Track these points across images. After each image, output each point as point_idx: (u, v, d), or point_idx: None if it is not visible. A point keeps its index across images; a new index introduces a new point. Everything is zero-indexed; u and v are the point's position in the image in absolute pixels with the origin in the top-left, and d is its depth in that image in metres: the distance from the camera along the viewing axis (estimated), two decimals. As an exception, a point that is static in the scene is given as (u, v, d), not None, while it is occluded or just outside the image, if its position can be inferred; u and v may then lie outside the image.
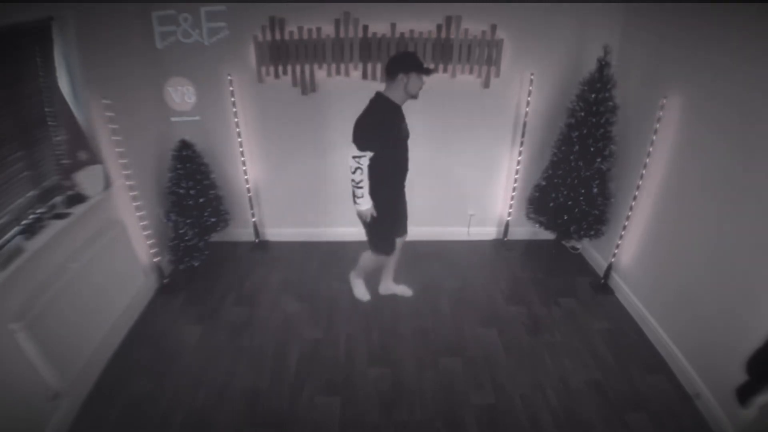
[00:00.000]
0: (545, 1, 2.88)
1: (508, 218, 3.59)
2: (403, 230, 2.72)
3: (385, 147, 2.26)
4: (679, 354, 2.41)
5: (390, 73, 2.24)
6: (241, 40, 2.96)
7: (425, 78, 2.27)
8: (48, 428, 1.98)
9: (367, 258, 2.75)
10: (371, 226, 2.50)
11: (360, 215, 2.43)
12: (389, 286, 3.00)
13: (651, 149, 2.62)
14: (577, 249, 3.56)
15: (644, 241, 2.78)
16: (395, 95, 2.27)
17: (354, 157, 2.22)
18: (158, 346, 2.60)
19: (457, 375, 2.42)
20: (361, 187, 2.28)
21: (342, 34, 2.94)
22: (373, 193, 2.36)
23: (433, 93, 3.08)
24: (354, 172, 2.25)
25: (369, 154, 2.23)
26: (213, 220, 3.22)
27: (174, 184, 3.02)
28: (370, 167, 2.28)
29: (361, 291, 2.97)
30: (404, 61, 2.23)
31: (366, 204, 2.35)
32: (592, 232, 3.08)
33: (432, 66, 2.29)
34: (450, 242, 3.63)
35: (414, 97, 2.29)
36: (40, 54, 2.18)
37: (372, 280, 2.99)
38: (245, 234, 3.60)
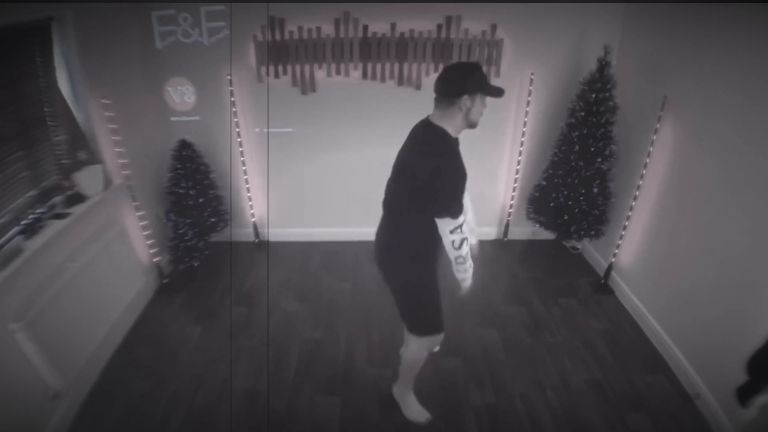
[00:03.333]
0: (545, 1, 2.88)
1: (508, 218, 3.59)
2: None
3: None
4: (679, 354, 2.41)
5: (448, 95, 1.57)
6: (241, 40, 2.96)
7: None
8: (48, 428, 1.98)
9: (411, 354, 2.01)
10: (418, 303, 1.88)
11: (466, 290, 1.83)
12: (407, 399, 2.20)
13: (651, 149, 2.61)
14: (578, 249, 3.56)
15: (644, 241, 2.78)
16: (452, 124, 1.61)
17: (452, 231, 1.59)
18: (158, 346, 2.60)
19: (457, 375, 2.42)
20: (465, 262, 1.69)
21: (342, 34, 2.94)
22: (424, 261, 1.79)
23: (432, 93, 3.09)
24: (460, 247, 1.63)
25: (461, 219, 1.59)
26: (213, 220, 3.21)
27: (174, 184, 3.02)
28: (424, 229, 1.66)
29: (416, 410, 2.16)
30: (470, 78, 1.56)
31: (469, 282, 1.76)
32: (593, 232, 3.08)
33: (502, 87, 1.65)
34: (450, 242, 3.63)
35: (475, 125, 1.66)
36: (40, 54, 2.18)
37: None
38: (245, 234, 3.60)
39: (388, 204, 1.80)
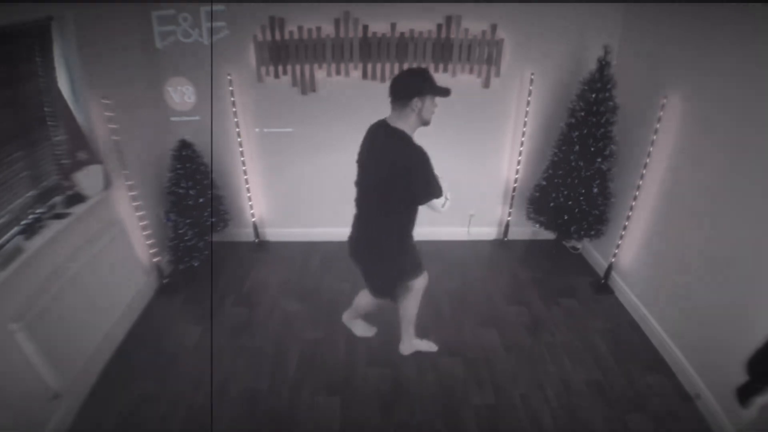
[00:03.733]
0: (545, 1, 2.88)
1: (508, 218, 3.59)
2: (417, 272, 2.22)
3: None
4: (679, 354, 2.41)
5: (401, 98, 1.78)
6: (241, 40, 2.96)
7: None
8: (48, 428, 1.98)
9: (365, 303, 2.38)
10: (378, 269, 2.12)
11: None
12: (413, 343, 2.51)
13: (651, 149, 2.61)
14: (578, 249, 3.56)
15: (644, 241, 2.78)
16: (407, 124, 1.82)
17: (443, 205, 1.90)
18: (158, 346, 2.60)
19: (457, 375, 2.42)
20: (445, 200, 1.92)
21: (342, 34, 2.94)
22: (391, 244, 2.01)
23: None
24: (445, 208, 1.93)
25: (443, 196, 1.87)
26: (213, 220, 3.21)
27: (174, 184, 3.02)
28: (394, 216, 1.94)
29: (362, 328, 2.58)
30: (419, 82, 1.78)
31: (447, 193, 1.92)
32: (593, 232, 3.08)
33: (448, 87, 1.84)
34: (450, 242, 3.63)
35: (427, 123, 1.86)
36: (40, 54, 2.18)
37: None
38: (245, 234, 3.60)
39: (359, 202, 2.02)
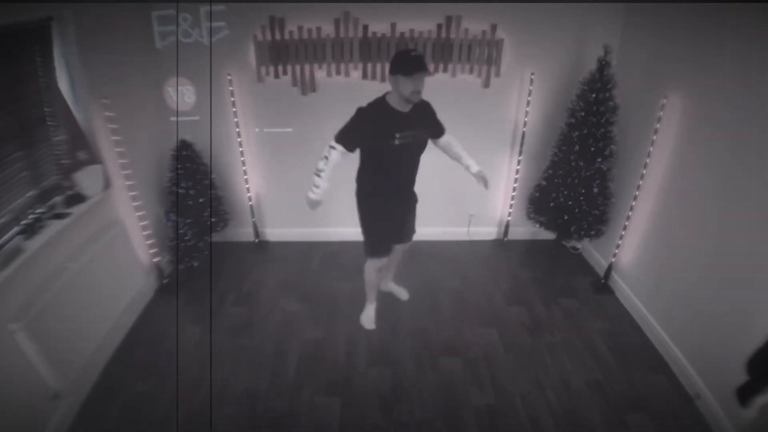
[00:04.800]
0: (545, 1, 2.88)
1: (508, 218, 3.59)
2: (400, 239, 2.60)
3: (370, 152, 2.20)
4: (679, 354, 2.41)
5: (390, 73, 2.07)
6: (241, 40, 2.96)
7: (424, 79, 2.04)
8: (48, 428, 1.98)
9: (366, 271, 2.62)
10: (363, 228, 2.46)
11: (307, 203, 2.29)
12: (387, 285, 2.99)
13: (651, 149, 2.61)
14: (578, 249, 3.56)
15: (644, 241, 2.78)
16: (393, 97, 2.11)
17: (329, 145, 2.17)
18: (158, 346, 2.60)
19: (457, 375, 2.42)
20: (318, 176, 2.19)
21: (342, 34, 2.94)
22: (360, 199, 2.38)
23: (433, 93, 3.08)
24: (321, 159, 2.19)
25: (340, 148, 2.14)
26: (213, 220, 3.21)
27: (174, 184, 3.02)
28: (359, 172, 2.31)
29: (365, 317, 2.78)
30: (393, 62, 2.04)
31: (315, 195, 2.23)
32: (593, 232, 3.08)
33: (430, 68, 2.00)
34: (450, 242, 3.63)
35: (408, 100, 2.06)
36: (40, 54, 2.18)
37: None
38: (245, 234, 3.60)
39: None
